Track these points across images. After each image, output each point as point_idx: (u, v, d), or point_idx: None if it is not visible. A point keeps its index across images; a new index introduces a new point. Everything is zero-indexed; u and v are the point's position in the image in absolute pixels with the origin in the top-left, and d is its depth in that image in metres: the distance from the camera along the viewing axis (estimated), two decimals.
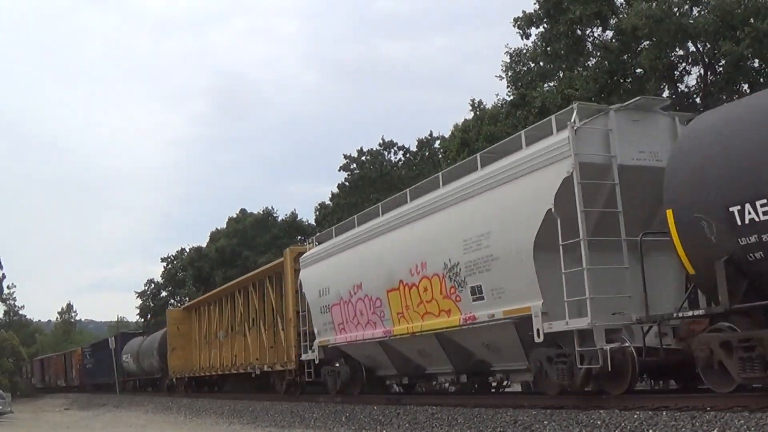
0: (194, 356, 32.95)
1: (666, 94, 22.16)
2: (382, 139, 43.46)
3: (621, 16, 21.79)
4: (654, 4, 19.87)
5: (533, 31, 23.24)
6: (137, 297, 65.94)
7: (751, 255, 8.51)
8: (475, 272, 12.52)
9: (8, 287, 71.68)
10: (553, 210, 10.77)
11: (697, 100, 21.67)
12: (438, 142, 41.60)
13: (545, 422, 10.56)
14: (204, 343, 31.46)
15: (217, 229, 55.01)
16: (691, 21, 19.96)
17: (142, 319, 65.63)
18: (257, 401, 21.86)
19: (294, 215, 51.88)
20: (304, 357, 19.35)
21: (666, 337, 10.41)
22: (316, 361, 18.68)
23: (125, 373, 44.65)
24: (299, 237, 50.87)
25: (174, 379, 34.70)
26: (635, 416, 9.53)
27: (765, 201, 8.27)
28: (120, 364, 44.40)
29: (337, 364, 18.08)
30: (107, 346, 47.39)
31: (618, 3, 22.54)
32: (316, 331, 18.62)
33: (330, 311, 17.69)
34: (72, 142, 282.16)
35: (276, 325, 22.59)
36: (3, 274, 61.87)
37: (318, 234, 20.21)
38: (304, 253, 20.13)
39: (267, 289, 23.65)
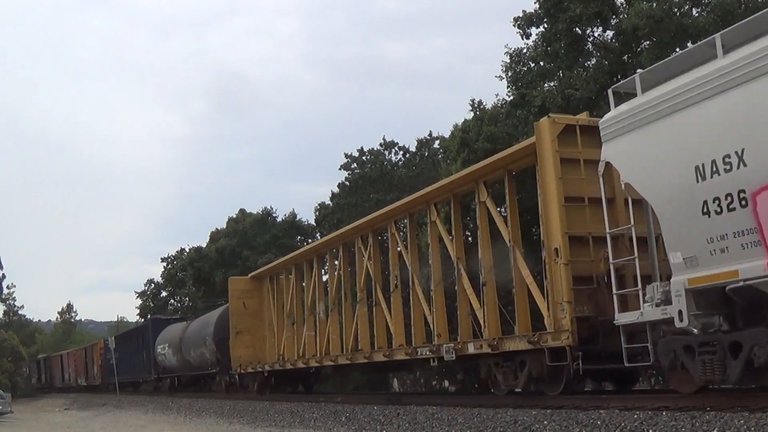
0: (269, 342, 25.50)
1: None
2: (383, 139, 43.43)
3: (621, 16, 21.78)
4: (654, 4, 19.86)
5: (533, 30, 23.25)
6: (137, 297, 65.92)
7: None
8: None
9: (8, 287, 71.83)
10: None
11: None
12: (437, 142, 41.56)
13: (545, 422, 10.56)
14: (287, 324, 23.93)
15: (217, 229, 54.96)
16: (691, 21, 19.95)
17: (142, 320, 65.62)
18: (257, 401, 21.85)
19: (294, 215, 51.84)
20: (624, 319, 10.70)
21: None
22: (683, 322, 9.61)
23: (160, 369, 37.16)
24: (299, 237, 50.84)
25: (236, 375, 27.02)
26: (635, 416, 9.54)
27: None
28: (152, 357, 37.57)
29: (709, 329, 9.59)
30: (138, 334, 41.05)
31: (618, 3, 22.53)
32: (679, 259, 9.71)
33: (750, 205, 8.75)
34: (72, 141, 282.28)
35: (459, 281, 15.09)
36: (3, 274, 61.88)
37: (634, 75, 10.83)
38: (583, 123, 12.31)
39: (433, 226, 16.27)
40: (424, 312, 16.62)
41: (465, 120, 26.54)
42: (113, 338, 46.51)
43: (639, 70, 11.23)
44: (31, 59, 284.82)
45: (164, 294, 63.96)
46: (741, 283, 8.98)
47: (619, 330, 10.81)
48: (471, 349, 14.17)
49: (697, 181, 9.41)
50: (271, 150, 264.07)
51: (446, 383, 29.16)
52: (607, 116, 11.15)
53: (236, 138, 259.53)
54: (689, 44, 20.95)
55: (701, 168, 9.34)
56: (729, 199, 9.04)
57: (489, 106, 26.27)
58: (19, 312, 79.37)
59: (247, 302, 26.30)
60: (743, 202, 8.90)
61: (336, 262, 21.54)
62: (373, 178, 41.51)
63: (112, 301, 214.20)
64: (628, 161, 10.69)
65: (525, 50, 23.67)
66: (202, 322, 31.16)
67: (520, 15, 23.15)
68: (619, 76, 21.76)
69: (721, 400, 9.53)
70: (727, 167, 9.04)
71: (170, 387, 37.35)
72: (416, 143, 43.48)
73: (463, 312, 15.03)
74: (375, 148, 43.13)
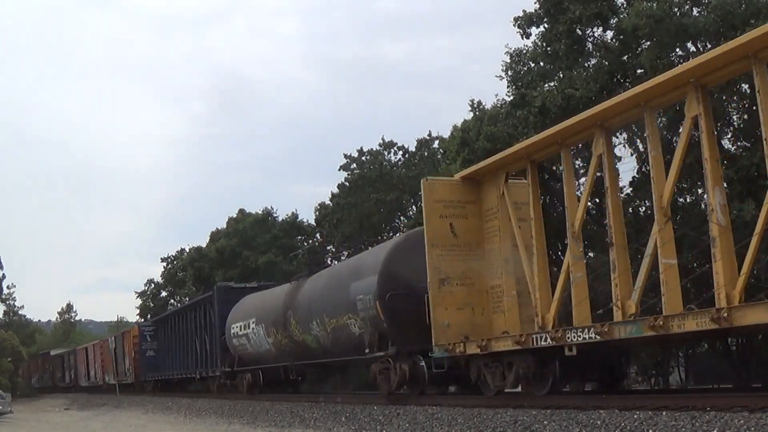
0: (507, 298, 14.50)
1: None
2: (382, 139, 43.51)
3: (621, 16, 21.79)
4: (654, 4, 19.87)
5: (533, 30, 23.27)
6: (137, 297, 66.02)
7: None
8: None
9: (8, 287, 71.79)
10: None
11: None
12: (437, 142, 41.64)
13: (545, 422, 10.57)
14: (575, 253, 13.01)
15: (217, 229, 55.03)
16: (692, 21, 19.95)
17: (143, 320, 65.77)
18: (257, 401, 21.84)
19: (294, 215, 51.92)
20: None
21: None
22: None
23: (233, 359, 25.77)
24: (299, 237, 50.90)
25: (434, 357, 14.85)
26: (635, 416, 9.55)
27: None
28: (217, 344, 26.76)
29: None
30: (192, 313, 30.92)
31: (618, 3, 22.54)
32: None
33: None
34: (72, 141, 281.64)
35: None
36: (3, 274, 61.98)
37: None
38: None
39: None
40: None
41: (465, 120, 26.59)
42: (113, 337, 45.09)
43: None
44: (31, 59, 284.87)
45: (164, 294, 64.09)
46: None
47: None
48: None
49: None
50: (271, 150, 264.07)
51: None
52: None
53: (236, 138, 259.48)
54: (689, 44, 20.99)
55: None
56: None
57: (489, 106, 26.30)
58: (19, 312, 79.52)
59: (459, 222, 15.11)
60: None
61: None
62: (372, 178, 41.56)
63: (112, 301, 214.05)
64: None
65: (525, 50, 23.69)
66: (345, 272, 18.93)
67: (521, 15, 23.19)
68: (618, 76, 21.79)
69: (721, 400, 9.54)
70: None
71: (251, 386, 24.86)
72: (416, 143, 43.60)
73: None
74: (374, 149, 43.24)
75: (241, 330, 24.52)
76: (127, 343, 41.05)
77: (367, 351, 17.04)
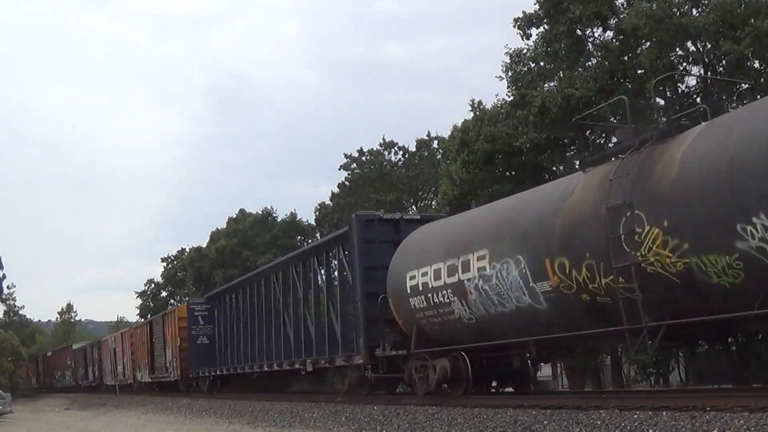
0: None
1: (666, 94, 22.15)
2: (383, 139, 43.59)
3: (621, 16, 21.81)
4: (654, 4, 19.88)
5: (533, 31, 23.29)
6: (137, 297, 66.11)
7: None
8: None
9: (8, 287, 71.82)
10: None
11: (698, 100, 21.68)
12: (436, 142, 41.72)
13: (545, 422, 10.56)
14: None
15: (217, 229, 55.10)
16: (692, 21, 19.96)
17: (142, 320, 65.83)
18: (257, 401, 21.84)
19: (294, 215, 51.98)
20: None
21: None
22: None
23: (415, 334, 14.69)
24: (299, 237, 50.92)
25: None
26: (635, 416, 9.54)
27: None
28: (360, 314, 16.26)
29: None
30: (267, 281, 22.62)
31: (618, 3, 22.55)
32: None
33: None
34: (72, 141, 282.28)
35: None
36: (3, 274, 61.90)
37: None
38: None
39: None
40: None
41: (465, 120, 26.59)
42: (113, 337, 44.88)
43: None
44: (31, 59, 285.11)
45: (164, 294, 64.16)
46: None
47: None
48: None
49: None
50: (271, 150, 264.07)
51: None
52: None
53: (236, 138, 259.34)
54: (689, 44, 21.00)
55: None
56: None
57: (489, 106, 26.30)
58: (20, 312, 79.54)
59: None
60: None
61: None
62: (372, 178, 41.62)
63: (112, 301, 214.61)
64: None
65: (525, 51, 23.70)
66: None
67: (520, 15, 23.20)
68: (618, 76, 21.81)
69: (721, 400, 9.54)
70: None
71: (448, 381, 14.31)
72: (416, 143, 43.66)
73: None
74: (374, 149, 43.31)
75: (434, 279, 13.88)
76: (170, 329, 30.28)
77: None
